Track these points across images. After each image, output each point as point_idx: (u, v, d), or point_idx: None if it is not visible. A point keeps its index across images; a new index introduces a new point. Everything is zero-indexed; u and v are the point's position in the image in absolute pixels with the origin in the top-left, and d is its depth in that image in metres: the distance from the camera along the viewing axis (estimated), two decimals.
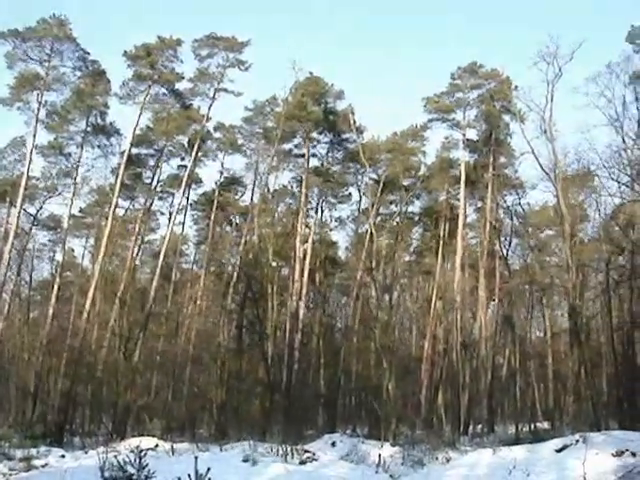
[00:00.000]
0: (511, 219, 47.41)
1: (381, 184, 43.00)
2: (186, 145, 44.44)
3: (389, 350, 33.30)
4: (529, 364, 44.33)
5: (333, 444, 26.56)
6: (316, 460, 22.55)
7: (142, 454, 11.59)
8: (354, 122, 41.90)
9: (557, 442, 23.25)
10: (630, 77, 36.21)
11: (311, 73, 42.87)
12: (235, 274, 41.12)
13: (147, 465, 11.54)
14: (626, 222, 36.00)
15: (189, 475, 10.62)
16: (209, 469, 10.76)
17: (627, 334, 33.53)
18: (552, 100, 36.58)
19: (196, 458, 11.03)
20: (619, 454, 20.71)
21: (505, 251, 46.96)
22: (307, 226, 43.81)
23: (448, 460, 24.47)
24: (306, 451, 23.30)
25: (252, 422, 33.83)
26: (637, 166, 29.95)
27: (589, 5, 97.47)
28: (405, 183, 46.17)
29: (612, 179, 31.58)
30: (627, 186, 31.95)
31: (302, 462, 21.83)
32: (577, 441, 22.32)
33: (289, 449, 22.42)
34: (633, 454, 20.25)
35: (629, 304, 34.16)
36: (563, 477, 19.03)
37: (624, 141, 34.79)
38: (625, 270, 34.85)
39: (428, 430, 32.31)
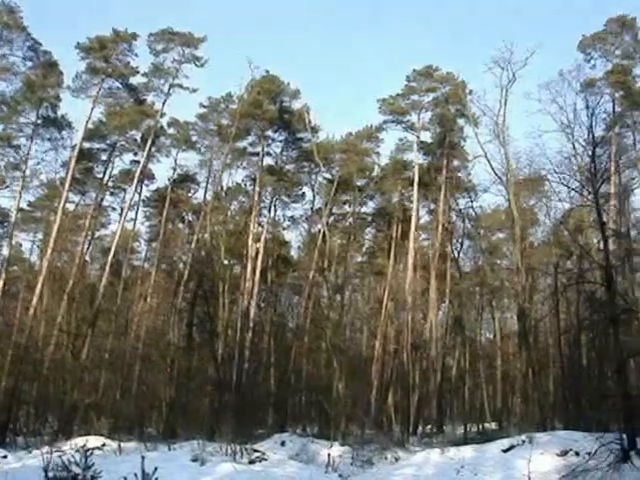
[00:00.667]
0: (463, 222, 47.95)
1: (335, 184, 43.00)
2: (139, 140, 43.91)
3: (340, 350, 33.37)
4: (478, 365, 44.84)
5: (283, 443, 26.53)
6: (265, 459, 22.48)
7: (88, 453, 11.38)
8: (309, 121, 41.94)
9: (504, 442, 23.56)
10: (581, 85, 36.99)
11: (267, 71, 42.75)
12: (186, 272, 40.81)
13: (93, 465, 11.33)
14: (575, 227, 36.67)
15: (136, 475, 10.46)
16: (156, 469, 10.60)
17: (574, 337, 34.09)
18: (505, 105, 37.14)
19: (143, 457, 10.83)
20: (563, 454, 21.10)
21: (457, 253, 47.49)
22: (260, 225, 43.73)
23: (397, 460, 24.65)
24: (255, 450, 23.22)
25: (201, 421, 33.55)
26: (587, 172, 30.39)
27: (545, 13, 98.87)
28: (359, 184, 46.29)
29: (562, 184, 32.02)
30: (577, 191, 32.45)
31: (251, 461, 21.76)
32: (523, 441, 22.67)
33: (238, 448, 22.31)
34: (577, 453, 20.64)
35: (576, 307, 34.75)
36: (509, 476, 19.31)
37: (574, 147, 35.31)
38: (573, 274, 35.46)
39: (378, 430, 32.42)
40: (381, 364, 39.75)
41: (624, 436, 20.20)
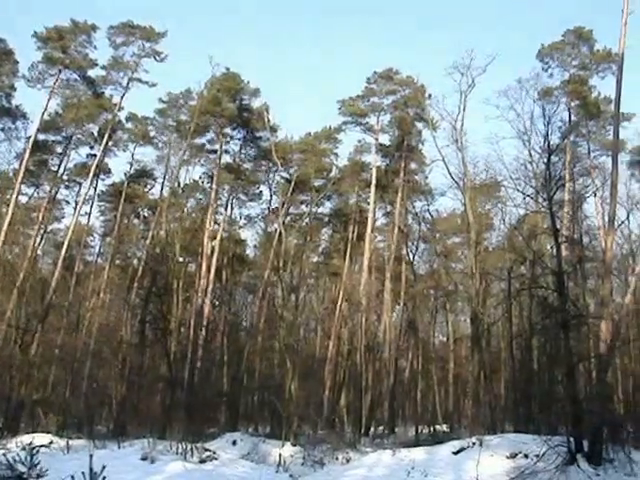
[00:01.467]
0: (419, 225, 48.23)
1: (292, 184, 42.91)
2: (96, 134, 43.38)
3: (293, 350, 33.26)
4: (431, 368, 45.13)
5: (234, 443, 26.40)
6: (216, 459, 22.31)
7: (34, 451, 11.18)
8: (268, 120, 41.83)
9: (455, 444, 23.77)
10: (539, 93, 37.54)
11: (228, 69, 42.60)
12: (140, 268, 40.39)
13: (39, 463, 11.14)
14: (529, 232, 37.14)
15: (83, 473, 10.28)
16: (104, 467, 10.46)
17: (526, 341, 34.52)
18: (464, 110, 37.58)
19: (91, 456, 10.67)
20: (513, 456, 21.39)
21: (412, 256, 47.78)
22: (216, 223, 43.50)
23: (348, 460, 24.71)
24: (206, 449, 23.02)
25: (152, 419, 33.17)
26: (542, 179, 30.82)
27: (505, 21, 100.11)
28: (316, 184, 46.26)
29: (518, 190, 32.56)
30: (531, 198, 32.93)
31: (202, 461, 21.56)
32: (474, 443, 22.89)
33: (189, 447, 22.09)
34: (526, 456, 20.93)
35: (528, 312, 35.20)
36: (459, 478, 19.49)
37: (530, 154, 35.97)
38: (526, 279, 35.88)
39: (330, 430, 32.45)
40: (334, 365, 39.79)
41: (571, 439, 20.55)
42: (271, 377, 38.59)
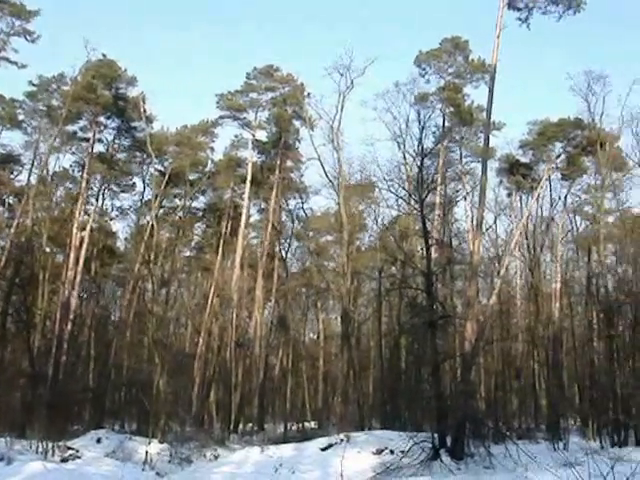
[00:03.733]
0: (293, 222, 48.58)
1: (167, 176, 42.16)
2: None
3: (162, 345, 32.75)
4: (301, 365, 45.56)
5: (99, 440, 25.79)
6: (79, 457, 21.77)
7: None
8: (144, 110, 40.84)
9: (323, 441, 24.15)
10: (415, 98, 38.57)
11: (104, 55, 41.10)
12: (4, 258, 38.61)
13: None
14: (400, 234, 38.16)
15: None
16: None
17: (394, 340, 35.42)
18: (342, 110, 38.16)
19: None
20: (379, 452, 22.01)
21: (284, 253, 48.12)
22: (86, 213, 42.10)
23: (216, 457, 24.70)
24: (69, 448, 22.41)
25: (12, 417, 31.79)
26: (414, 182, 31.69)
27: (389, 25, 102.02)
28: (191, 177, 45.68)
29: (391, 192, 33.30)
30: (404, 200, 33.81)
31: (64, 460, 20.98)
32: (342, 440, 23.35)
33: (50, 446, 21.40)
34: (391, 452, 21.58)
35: (398, 311, 36.13)
36: (326, 474, 19.80)
37: (405, 157, 37.02)
38: (396, 279, 36.82)
39: (198, 428, 32.22)
40: (204, 361, 39.42)
41: (435, 435, 21.30)
42: (139, 373, 37.80)
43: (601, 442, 28.15)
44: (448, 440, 21.61)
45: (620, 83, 44.89)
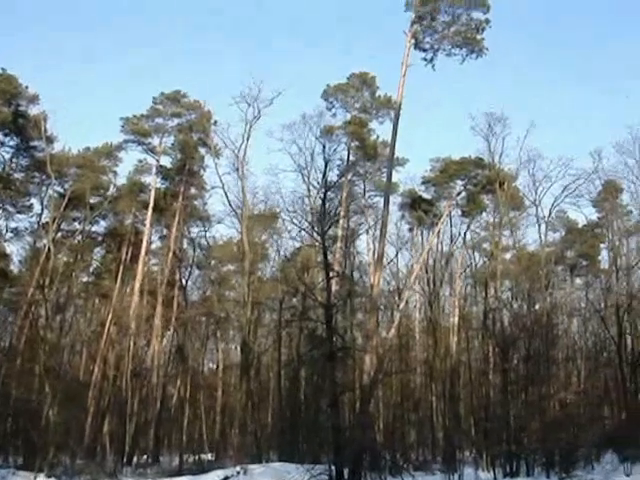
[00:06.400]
0: (194, 250, 48.03)
1: (66, 199, 41.01)
2: None
3: (55, 373, 31.58)
4: (199, 396, 44.75)
5: None
6: None
7: None
8: (45, 130, 39.67)
9: (219, 473, 23.85)
10: (321, 131, 38.96)
11: (4, 69, 39.82)
12: None
13: None
14: (302, 265, 38.22)
15: None
16: None
17: (294, 371, 35.28)
18: (248, 140, 38.22)
19: None
20: None
21: (185, 281, 47.42)
22: None
23: None
24: None
25: None
26: (317, 214, 31.83)
27: (299, 56, 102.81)
28: (92, 201, 44.51)
29: (294, 223, 33.43)
30: (306, 231, 33.91)
31: None
32: (238, 472, 23.11)
33: None
34: None
35: (297, 343, 36.07)
36: None
37: (309, 189, 37.34)
38: (297, 310, 36.82)
39: (90, 460, 31.10)
40: (99, 390, 38.24)
41: (333, 467, 21.19)
42: (28, 402, 36.22)
43: (494, 473, 28.68)
44: (346, 472, 21.54)
45: (519, 125, 46.61)
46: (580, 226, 47.92)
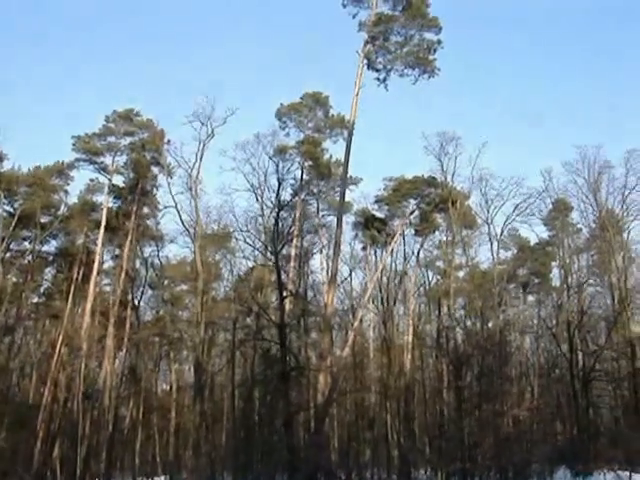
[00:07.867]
0: (147, 270, 47.58)
1: (16, 218, 40.41)
2: None
3: (3, 397, 30.99)
4: (152, 417, 44.23)
5: None
6: None
7: None
8: None
9: None
10: (274, 150, 39.04)
11: None
12: None
13: None
14: (255, 285, 38.17)
15: None
16: None
17: (248, 391, 35.10)
18: (201, 159, 38.22)
19: None
20: None
21: (138, 301, 46.95)
22: None
23: None
24: None
25: None
26: (271, 233, 31.92)
27: (251, 78, 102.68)
28: (42, 220, 43.92)
29: (247, 243, 33.48)
30: (260, 251, 34.00)
31: None
32: None
33: None
34: None
35: (251, 362, 35.90)
36: None
37: (262, 209, 37.38)
38: (251, 330, 36.70)
39: None
40: (49, 413, 37.48)
41: None
42: None
43: None
44: None
45: (471, 145, 47.32)
46: (532, 244, 48.77)
